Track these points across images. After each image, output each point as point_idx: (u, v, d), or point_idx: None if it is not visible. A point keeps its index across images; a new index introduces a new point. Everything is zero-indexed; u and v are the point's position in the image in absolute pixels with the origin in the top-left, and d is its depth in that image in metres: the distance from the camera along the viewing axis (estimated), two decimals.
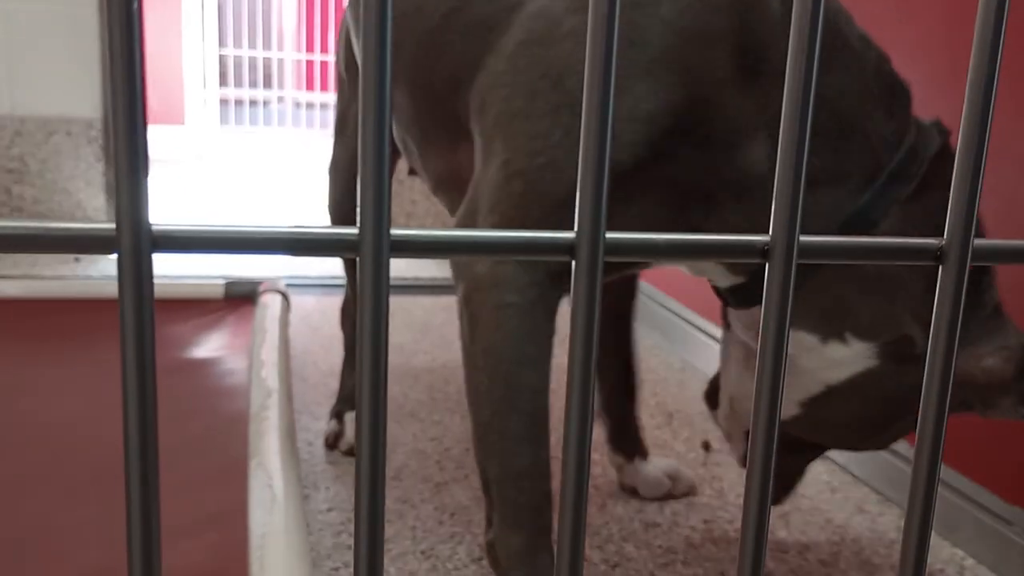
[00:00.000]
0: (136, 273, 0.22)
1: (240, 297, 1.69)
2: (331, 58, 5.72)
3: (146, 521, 0.24)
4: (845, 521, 1.15)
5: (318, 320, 1.86)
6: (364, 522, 0.26)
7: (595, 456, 1.27)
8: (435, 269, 2.38)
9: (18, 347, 1.43)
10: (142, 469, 0.23)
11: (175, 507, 0.92)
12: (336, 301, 1.82)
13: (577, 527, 0.27)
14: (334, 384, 1.48)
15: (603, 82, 0.24)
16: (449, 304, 2.08)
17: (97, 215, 2.39)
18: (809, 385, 0.81)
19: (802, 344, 0.79)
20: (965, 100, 0.28)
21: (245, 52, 5.78)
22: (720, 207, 0.75)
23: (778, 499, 0.99)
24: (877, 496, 1.22)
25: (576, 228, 0.26)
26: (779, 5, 0.72)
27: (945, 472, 1.12)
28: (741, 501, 1.19)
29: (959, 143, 0.28)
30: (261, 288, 1.67)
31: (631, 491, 1.18)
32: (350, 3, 1.12)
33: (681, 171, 0.74)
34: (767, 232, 0.28)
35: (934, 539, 1.12)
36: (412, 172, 1.12)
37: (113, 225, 0.22)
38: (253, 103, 5.81)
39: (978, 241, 0.29)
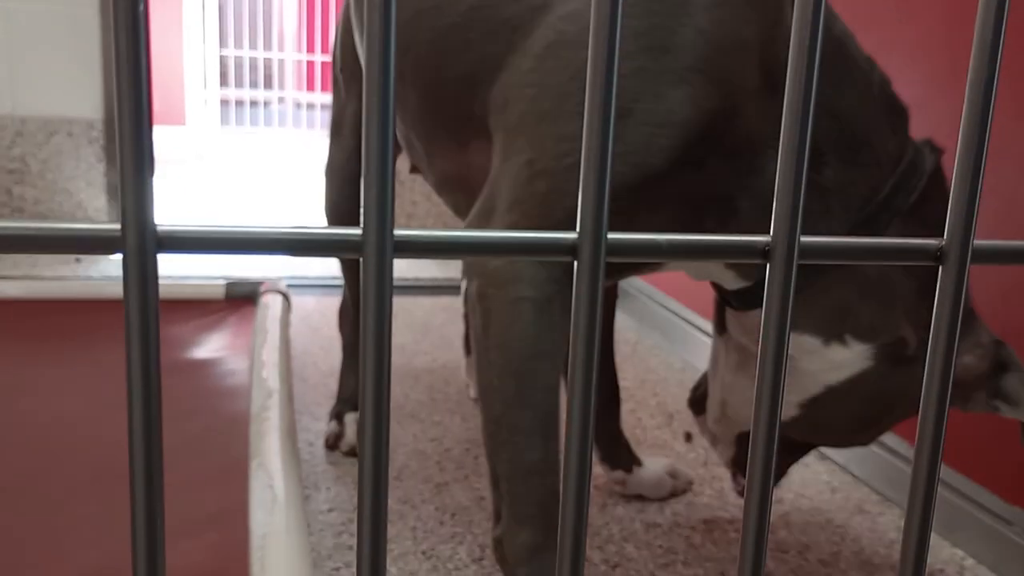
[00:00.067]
0: (141, 273, 0.22)
1: (241, 297, 1.69)
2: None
3: (150, 521, 0.24)
4: (845, 521, 1.15)
5: (318, 321, 1.86)
6: (367, 522, 0.26)
7: (596, 457, 1.27)
8: (435, 270, 2.38)
9: (19, 347, 1.43)
10: (147, 469, 0.24)
11: (176, 507, 0.92)
12: (336, 302, 1.82)
13: (578, 527, 0.27)
14: (334, 385, 1.48)
15: (605, 83, 0.25)
16: (449, 305, 2.08)
17: (98, 216, 2.39)
18: (809, 386, 0.84)
19: (804, 347, 0.82)
20: (965, 100, 0.28)
21: (246, 53, 5.79)
22: (740, 213, 0.77)
23: None
24: (877, 496, 1.22)
25: (578, 228, 0.26)
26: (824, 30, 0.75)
27: (945, 472, 1.12)
28: (741, 501, 1.20)
29: (959, 143, 0.28)
30: (262, 288, 1.67)
31: (637, 496, 1.18)
32: (354, 4, 1.12)
33: (706, 177, 0.75)
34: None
35: (934, 539, 1.12)
36: (414, 170, 1.12)
37: (118, 225, 0.22)
38: (254, 103, 5.81)
39: (978, 242, 0.29)
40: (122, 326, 1.48)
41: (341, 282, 1.46)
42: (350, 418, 1.27)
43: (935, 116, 1.15)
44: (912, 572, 0.31)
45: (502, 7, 0.81)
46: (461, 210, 0.98)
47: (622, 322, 2.01)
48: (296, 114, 5.71)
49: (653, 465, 1.18)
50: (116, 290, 1.67)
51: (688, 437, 1.38)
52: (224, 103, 5.60)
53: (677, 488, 1.18)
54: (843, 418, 0.85)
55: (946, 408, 0.30)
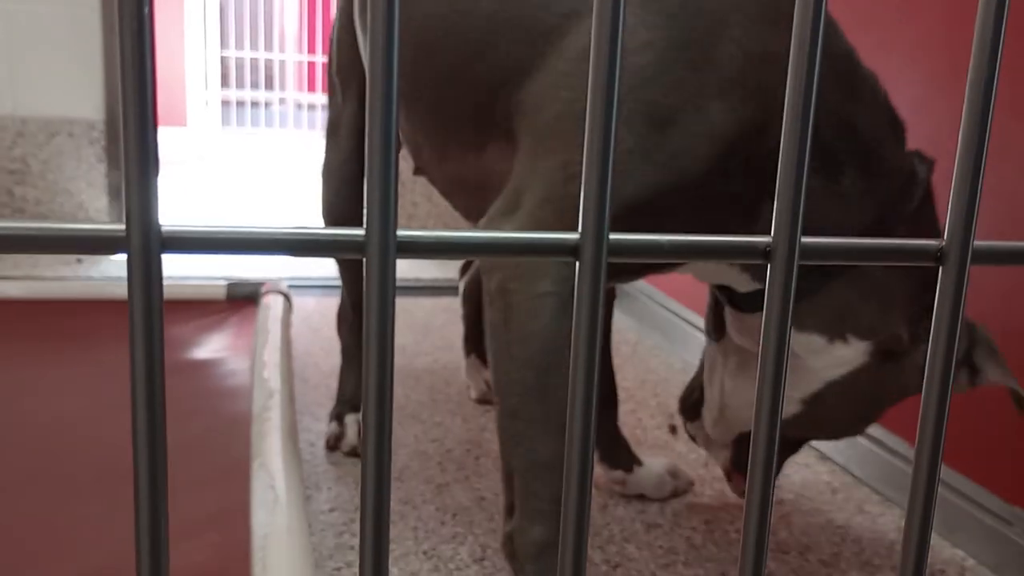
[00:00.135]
0: (146, 273, 0.22)
1: (242, 298, 1.69)
2: None
3: (154, 521, 0.24)
4: (846, 522, 1.15)
5: (319, 321, 1.86)
6: (369, 522, 0.26)
7: (595, 456, 1.27)
8: (436, 270, 2.38)
9: (20, 348, 1.43)
10: (151, 469, 0.24)
11: (177, 507, 0.92)
12: (337, 302, 1.82)
13: (580, 527, 0.28)
14: (335, 385, 1.48)
15: (607, 85, 0.25)
16: (450, 305, 2.08)
17: (99, 216, 2.39)
18: (812, 383, 0.88)
19: (810, 346, 0.86)
20: (965, 100, 0.28)
21: (247, 54, 5.79)
22: (761, 218, 0.79)
23: None
24: (878, 497, 1.23)
25: (580, 229, 0.26)
26: (835, 47, 0.80)
27: (945, 473, 1.12)
28: (742, 502, 1.20)
29: (959, 143, 0.28)
30: (263, 289, 1.67)
31: (638, 496, 1.18)
32: (358, 7, 1.12)
33: (735, 183, 0.77)
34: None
35: (935, 540, 1.12)
36: (418, 172, 1.12)
37: (122, 226, 0.22)
38: (255, 104, 5.81)
39: (978, 242, 0.29)
40: (124, 326, 1.49)
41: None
42: (350, 419, 1.27)
43: (935, 116, 1.15)
44: (912, 572, 0.31)
45: (527, 13, 0.82)
46: (472, 212, 0.98)
47: (623, 322, 2.01)
48: (297, 115, 5.71)
49: (653, 465, 1.18)
50: (117, 290, 1.67)
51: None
52: (225, 104, 5.61)
53: (678, 488, 1.18)
54: (841, 411, 0.90)
55: (946, 408, 0.30)
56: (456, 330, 1.88)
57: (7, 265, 2.16)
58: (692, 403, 1.04)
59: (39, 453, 1.06)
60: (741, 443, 1.02)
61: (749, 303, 0.89)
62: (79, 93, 2.31)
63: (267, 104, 5.86)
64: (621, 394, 1.56)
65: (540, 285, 0.76)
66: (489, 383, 1.49)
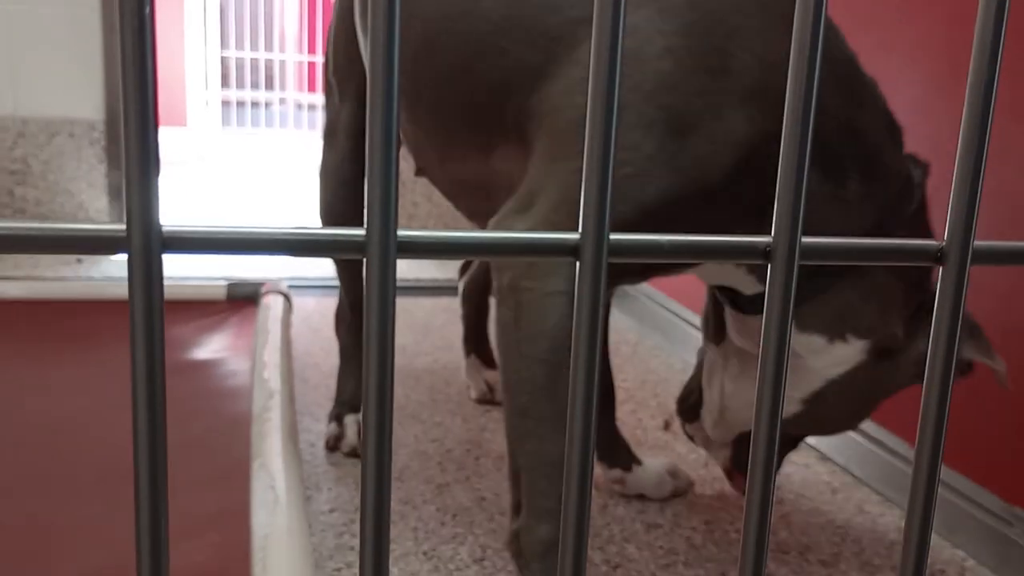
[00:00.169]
0: (146, 273, 0.22)
1: (242, 298, 1.69)
2: None
3: (154, 521, 0.24)
4: (846, 522, 1.15)
5: (319, 321, 1.86)
6: (369, 523, 0.26)
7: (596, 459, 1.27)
8: (436, 271, 2.38)
9: (20, 348, 1.43)
10: (151, 469, 0.24)
11: (178, 507, 0.92)
12: (336, 302, 1.82)
13: (580, 528, 0.28)
14: (335, 385, 1.48)
15: (607, 86, 0.25)
16: (450, 305, 2.08)
17: (100, 216, 2.40)
18: (813, 381, 0.90)
19: (812, 346, 0.88)
20: (965, 101, 0.28)
21: (247, 54, 5.79)
22: (769, 220, 0.80)
23: None
24: (878, 497, 1.23)
25: (580, 229, 0.26)
26: (837, 52, 0.82)
27: (946, 473, 1.12)
28: (742, 502, 1.20)
29: (959, 144, 0.28)
30: (263, 289, 1.67)
31: (638, 496, 1.18)
32: (358, 8, 1.12)
33: (751, 189, 0.78)
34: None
35: (935, 540, 1.12)
36: (420, 172, 1.12)
37: (123, 226, 0.22)
38: (255, 105, 5.81)
39: (978, 243, 0.29)
40: (124, 326, 1.49)
41: None
42: (349, 419, 1.27)
43: (935, 116, 1.15)
44: (912, 573, 0.31)
45: (540, 19, 0.83)
46: (477, 214, 0.99)
47: (623, 322, 2.01)
48: (297, 115, 5.72)
49: (653, 465, 1.18)
50: (118, 291, 1.67)
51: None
52: (225, 104, 5.61)
53: (678, 488, 1.18)
54: (840, 408, 0.92)
55: (947, 408, 0.30)
56: (456, 330, 1.88)
57: (8, 265, 2.16)
58: (690, 405, 1.06)
59: (40, 453, 1.06)
60: (741, 442, 1.03)
61: (753, 305, 0.91)
62: (79, 93, 2.31)
63: (267, 104, 5.86)
64: (621, 394, 1.56)
65: (551, 283, 0.77)
66: (489, 383, 1.49)
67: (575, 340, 0.27)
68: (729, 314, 0.96)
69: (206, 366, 1.39)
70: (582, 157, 0.75)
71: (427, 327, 1.91)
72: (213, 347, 1.48)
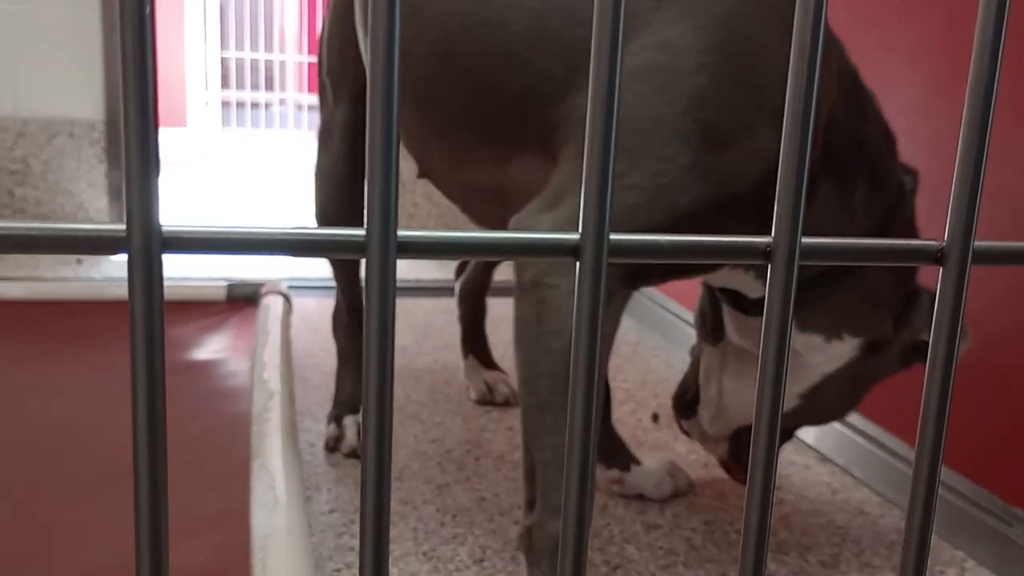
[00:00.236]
0: (146, 273, 0.22)
1: (242, 299, 1.69)
2: None
3: (154, 522, 0.24)
4: (846, 523, 1.15)
5: (319, 322, 1.86)
6: (369, 523, 0.26)
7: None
8: (436, 271, 2.38)
9: (20, 349, 1.43)
10: (151, 470, 0.24)
11: (177, 508, 0.92)
12: None
13: (580, 528, 0.28)
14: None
15: (608, 88, 0.25)
16: (450, 306, 2.08)
17: (99, 217, 2.40)
18: (811, 377, 0.96)
19: (811, 344, 0.93)
20: (966, 101, 0.28)
21: (247, 54, 5.79)
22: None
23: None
24: (878, 498, 1.23)
25: (580, 229, 0.26)
26: (843, 64, 0.86)
27: (946, 474, 1.12)
28: (742, 503, 1.20)
29: (960, 144, 0.28)
30: (263, 290, 1.67)
31: (638, 497, 1.18)
32: (359, 9, 1.12)
33: (772, 196, 0.81)
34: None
35: (935, 541, 1.12)
36: (422, 175, 1.12)
37: (123, 226, 0.22)
38: (255, 105, 5.82)
39: (978, 243, 0.29)
40: (124, 327, 1.49)
41: None
42: (349, 420, 1.27)
43: (935, 117, 1.15)
44: (913, 573, 0.31)
45: (565, 31, 0.84)
46: (490, 219, 1.01)
47: (623, 323, 2.01)
48: (297, 116, 5.72)
49: (652, 465, 1.18)
50: (118, 291, 1.67)
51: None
52: (225, 105, 5.61)
53: (678, 488, 1.18)
54: (835, 401, 0.98)
55: (947, 409, 0.30)
56: (456, 331, 1.88)
57: (8, 266, 2.16)
58: (687, 402, 1.09)
59: (40, 453, 1.06)
60: (737, 436, 1.07)
61: (756, 307, 0.95)
62: (80, 94, 2.31)
63: (267, 105, 5.86)
64: (621, 394, 1.56)
65: (572, 281, 0.78)
66: (488, 384, 1.49)
67: (575, 340, 0.27)
68: (730, 315, 0.99)
69: (206, 366, 1.39)
70: (621, 163, 0.77)
71: (427, 328, 1.91)
72: (213, 347, 1.48)
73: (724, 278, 0.93)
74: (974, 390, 1.09)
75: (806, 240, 0.28)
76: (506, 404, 1.48)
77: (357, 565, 0.95)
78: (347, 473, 1.19)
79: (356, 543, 1.02)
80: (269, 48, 5.90)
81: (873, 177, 0.87)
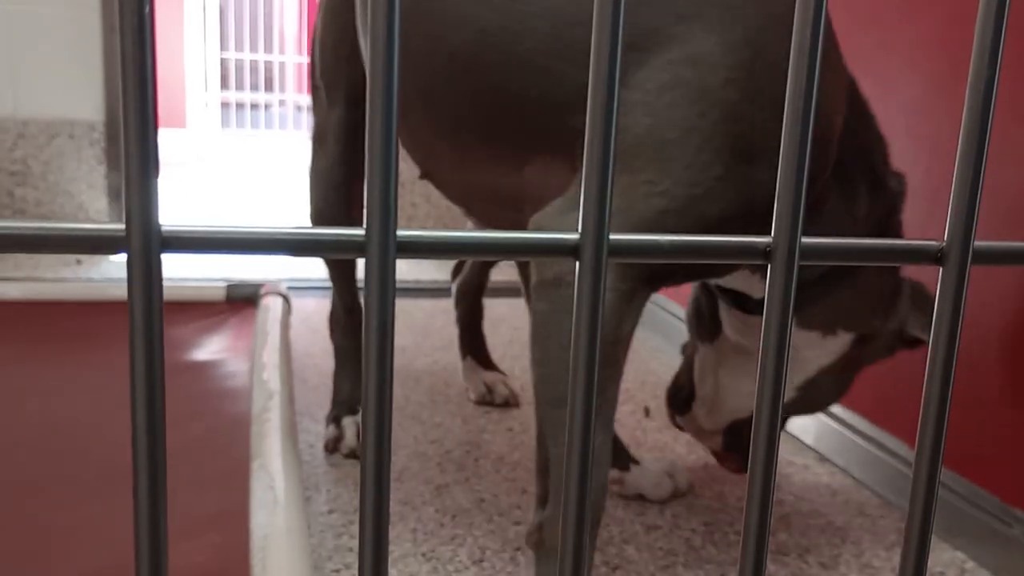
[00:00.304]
0: (146, 273, 0.22)
1: (242, 299, 1.69)
2: None
3: (153, 522, 0.24)
4: (845, 524, 1.15)
5: (318, 322, 1.86)
6: (369, 524, 0.26)
7: None
8: (436, 272, 2.38)
9: (20, 349, 1.43)
10: (150, 470, 0.24)
11: (177, 508, 0.92)
12: None
13: (580, 529, 0.28)
14: None
15: (607, 88, 0.25)
16: (450, 307, 2.08)
17: (99, 217, 2.39)
18: (807, 371, 1.01)
19: (809, 340, 0.98)
20: (966, 101, 0.28)
21: (246, 55, 5.79)
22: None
23: (746, 469, 1.15)
24: (878, 499, 1.22)
25: (579, 229, 0.26)
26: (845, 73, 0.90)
27: (946, 475, 1.12)
28: (741, 504, 1.20)
29: (959, 144, 0.28)
30: (262, 290, 1.67)
31: (637, 497, 1.18)
32: (359, 10, 1.12)
33: None
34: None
35: (934, 542, 1.12)
36: (424, 176, 1.12)
37: (122, 225, 0.22)
38: (254, 106, 5.82)
39: (978, 243, 0.29)
40: (124, 327, 1.48)
41: None
42: (348, 421, 1.27)
43: (935, 116, 1.16)
44: (913, 575, 0.31)
45: (588, 41, 0.84)
46: (499, 222, 1.02)
47: None
48: (296, 116, 5.72)
49: (651, 465, 1.18)
50: (117, 291, 1.67)
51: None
52: (225, 106, 5.61)
53: (678, 489, 1.18)
54: (827, 390, 1.03)
55: (947, 410, 0.30)
56: (455, 331, 1.88)
57: (8, 266, 2.16)
58: (683, 399, 1.12)
59: (40, 454, 1.06)
60: (732, 428, 1.11)
61: (759, 307, 0.98)
62: (80, 94, 2.31)
63: (267, 106, 5.86)
64: (622, 395, 1.56)
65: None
66: (488, 384, 1.49)
67: (575, 339, 0.27)
68: (729, 313, 1.03)
69: (205, 367, 1.39)
70: (651, 172, 0.79)
71: (426, 328, 1.91)
72: (212, 348, 1.48)
73: (735, 279, 0.95)
74: (974, 390, 1.09)
75: (806, 240, 0.28)
76: (505, 405, 1.48)
77: (356, 566, 0.95)
78: (346, 474, 1.19)
79: (355, 544, 1.02)
80: (269, 49, 5.90)
81: (872, 181, 0.90)
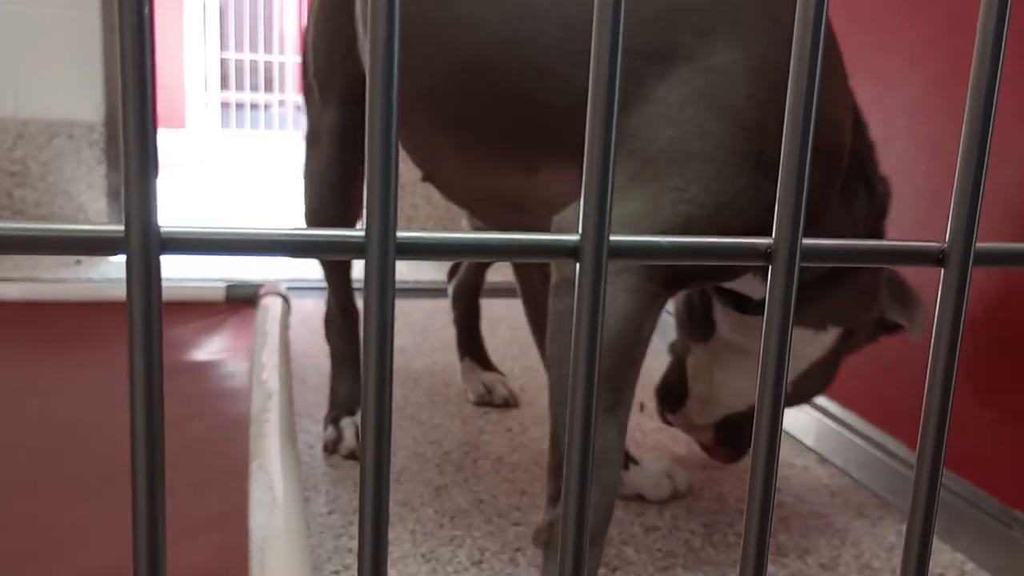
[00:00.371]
0: (145, 274, 0.22)
1: (241, 300, 1.69)
2: None
3: (152, 522, 0.24)
4: (845, 525, 1.15)
5: (318, 323, 1.86)
6: (368, 525, 0.26)
7: None
8: (435, 273, 2.38)
9: (19, 350, 1.43)
10: (149, 470, 0.24)
11: (176, 508, 0.91)
12: None
13: (581, 529, 0.28)
14: None
15: (607, 88, 0.25)
16: (448, 308, 2.08)
17: (99, 218, 2.39)
18: (800, 366, 1.04)
19: (802, 337, 1.02)
20: (967, 101, 0.28)
21: (246, 56, 5.79)
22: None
23: (738, 459, 1.20)
24: (877, 500, 1.22)
25: (579, 230, 0.26)
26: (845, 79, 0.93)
27: (946, 476, 1.12)
28: (741, 505, 1.20)
29: (961, 145, 0.28)
30: (262, 291, 1.67)
31: (636, 497, 1.18)
32: (360, 10, 1.12)
33: (808, 224, 0.88)
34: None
35: (935, 543, 1.12)
36: (426, 179, 1.12)
37: (122, 227, 0.22)
38: (254, 106, 5.82)
39: (979, 244, 0.29)
40: (123, 328, 1.48)
41: None
42: (346, 422, 1.27)
43: (935, 117, 1.15)
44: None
45: None
46: (501, 224, 1.03)
47: None
48: (296, 117, 5.72)
49: (650, 465, 1.18)
50: (117, 292, 1.67)
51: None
52: (224, 106, 5.61)
53: (677, 489, 1.18)
54: (817, 382, 1.06)
55: (948, 412, 0.30)
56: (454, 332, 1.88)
57: (7, 267, 2.16)
58: (675, 397, 1.15)
59: (39, 454, 1.06)
60: (723, 423, 1.14)
61: (758, 308, 1.00)
62: (79, 95, 2.31)
63: (266, 106, 5.86)
64: None
65: (626, 280, 0.80)
66: (487, 385, 1.49)
67: (575, 339, 0.26)
68: (726, 313, 1.05)
69: (205, 367, 1.39)
70: (678, 179, 0.80)
71: (426, 329, 1.91)
72: (212, 348, 1.48)
73: (739, 281, 0.97)
74: (974, 391, 1.09)
75: (806, 241, 0.28)
76: (504, 406, 1.48)
77: (356, 567, 0.95)
78: (345, 474, 1.19)
79: (355, 544, 1.02)
80: (268, 49, 5.90)
81: (868, 184, 0.94)
